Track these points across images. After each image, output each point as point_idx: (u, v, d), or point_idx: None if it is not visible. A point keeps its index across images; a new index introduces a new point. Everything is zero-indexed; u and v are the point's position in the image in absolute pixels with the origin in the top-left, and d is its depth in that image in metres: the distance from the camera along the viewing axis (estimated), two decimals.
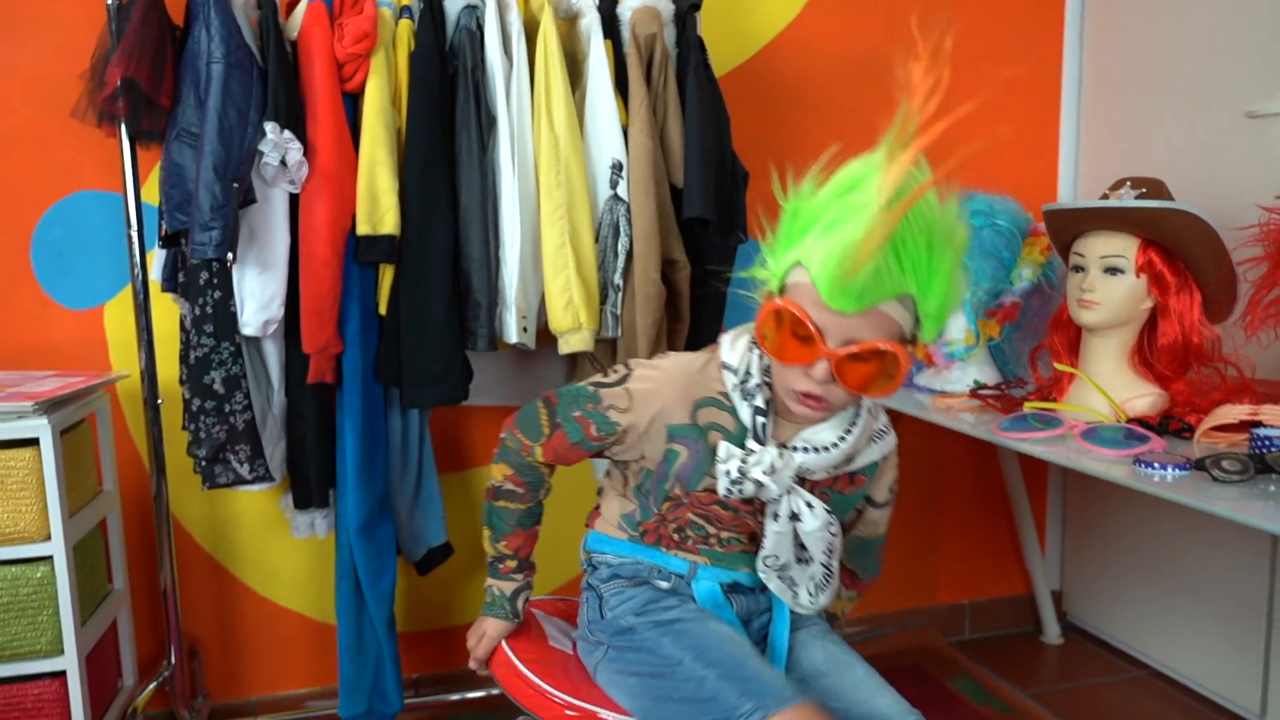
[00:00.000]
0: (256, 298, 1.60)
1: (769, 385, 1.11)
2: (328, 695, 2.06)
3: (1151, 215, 1.47)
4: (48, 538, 1.51)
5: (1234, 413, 1.35)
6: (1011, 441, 1.48)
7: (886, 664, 2.26)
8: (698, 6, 1.81)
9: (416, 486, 1.87)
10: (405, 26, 1.66)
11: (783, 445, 1.11)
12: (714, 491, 1.14)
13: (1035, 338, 1.82)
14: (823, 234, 1.00)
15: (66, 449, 1.56)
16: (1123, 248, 1.51)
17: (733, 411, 1.12)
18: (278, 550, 2.03)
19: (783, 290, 1.06)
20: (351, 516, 1.72)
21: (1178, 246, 1.49)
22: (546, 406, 1.20)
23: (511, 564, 1.28)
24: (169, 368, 1.83)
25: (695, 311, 1.82)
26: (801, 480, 1.13)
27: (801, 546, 1.15)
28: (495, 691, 1.88)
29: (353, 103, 1.65)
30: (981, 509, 2.49)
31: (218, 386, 1.61)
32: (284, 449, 1.74)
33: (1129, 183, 1.53)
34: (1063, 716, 2.07)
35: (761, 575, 1.16)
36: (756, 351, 1.12)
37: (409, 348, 1.66)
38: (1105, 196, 1.54)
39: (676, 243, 1.74)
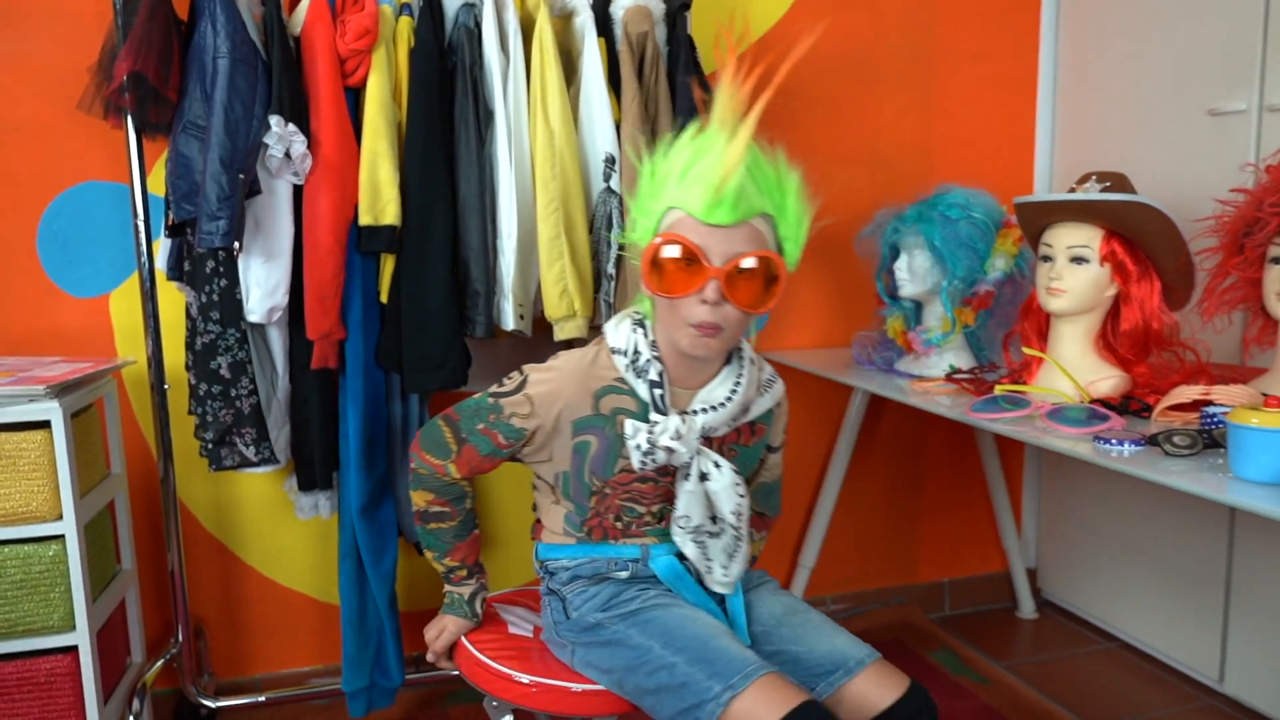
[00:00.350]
0: (261, 285, 1.66)
1: (659, 359, 1.19)
2: (330, 673, 2.13)
3: (1114, 208, 1.55)
4: (59, 517, 1.56)
5: (1188, 393, 1.44)
6: (983, 421, 1.57)
7: (870, 639, 2.34)
8: (688, 6, 1.88)
9: None
10: (405, 23, 1.72)
11: (682, 413, 1.19)
12: (630, 471, 1.21)
13: (1008, 324, 1.91)
14: (684, 175, 1.12)
15: (76, 432, 1.61)
16: (1088, 238, 1.59)
17: (631, 393, 1.20)
18: (281, 532, 2.09)
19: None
20: (354, 498, 1.78)
21: (1139, 237, 1.57)
22: (449, 424, 1.25)
23: (462, 573, 1.35)
24: (174, 354, 1.89)
25: None
26: (709, 442, 1.22)
27: (714, 519, 1.22)
28: None
29: (354, 97, 1.71)
30: (960, 491, 2.58)
31: (224, 372, 1.67)
32: (288, 433, 1.80)
33: (1094, 176, 1.61)
34: (1036, 686, 2.17)
35: (676, 539, 1.22)
36: (640, 331, 1.20)
37: (410, 334, 1.72)
38: (1072, 190, 1.62)
39: None
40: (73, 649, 1.59)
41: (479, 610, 1.37)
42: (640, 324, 1.22)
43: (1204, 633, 2.11)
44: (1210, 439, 1.33)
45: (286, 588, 2.13)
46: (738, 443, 1.26)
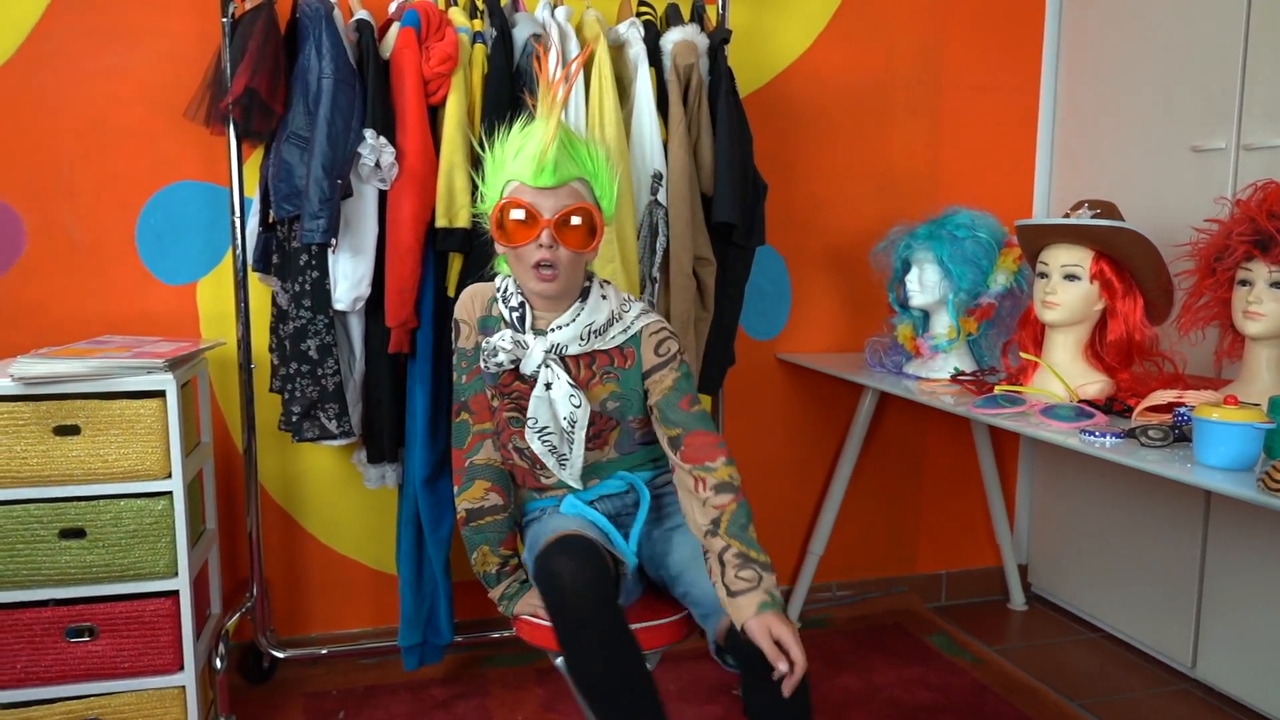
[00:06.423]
0: (349, 278, 1.87)
1: (520, 293, 1.47)
2: (379, 634, 2.33)
3: (1103, 232, 1.76)
4: (169, 475, 1.77)
5: (1164, 396, 1.65)
6: (984, 416, 1.77)
7: (872, 623, 2.60)
8: (727, 40, 2.10)
9: None
10: (480, 50, 1.94)
11: (540, 332, 1.45)
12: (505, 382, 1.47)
13: (1007, 333, 2.12)
14: (516, 154, 1.41)
15: (182, 402, 1.82)
16: (1079, 259, 1.80)
17: (501, 318, 1.49)
18: (341, 504, 2.30)
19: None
20: (419, 470, 1.99)
21: (1125, 259, 1.79)
22: (456, 413, 1.54)
23: (514, 562, 1.54)
24: (257, 338, 2.09)
25: (718, 304, 2.10)
26: (580, 365, 1.46)
27: (566, 433, 1.45)
28: None
29: (433, 114, 1.92)
30: (959, 490, 2.79)
31: (313, 353, 1.88)
32: (361, 410, 2.00)
33: (1086, 204, 1.82)
34: (1025, 668, 2.37)
35: (527, 438, 1.46)
36: (507, 281, 1.49)
37: None
38: (1067, 215, 1.83)
39: (705, 243, 2.03)
40: (174, 593, 1.79)
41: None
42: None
43: (1178, 623, 2.31)
44: (1180, 433, 1.54)
45: (342, 555, 2.33)
46: (612, 365, 1.48)
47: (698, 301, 2.04)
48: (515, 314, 1.46)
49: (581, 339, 1.45)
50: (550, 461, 1.47)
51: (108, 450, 1.74)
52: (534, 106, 1.41)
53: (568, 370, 1.45)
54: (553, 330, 1.44)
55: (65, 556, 1.74)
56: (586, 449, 1.49)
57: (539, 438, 1.45)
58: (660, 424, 1.48)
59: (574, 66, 1.59)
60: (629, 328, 1.49)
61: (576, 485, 1.50)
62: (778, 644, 1.29)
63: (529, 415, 1.45)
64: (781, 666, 1.27)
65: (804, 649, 1.30)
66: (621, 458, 1.53)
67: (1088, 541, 2.59)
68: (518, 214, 1.38)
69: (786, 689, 1.29)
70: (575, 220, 1.39)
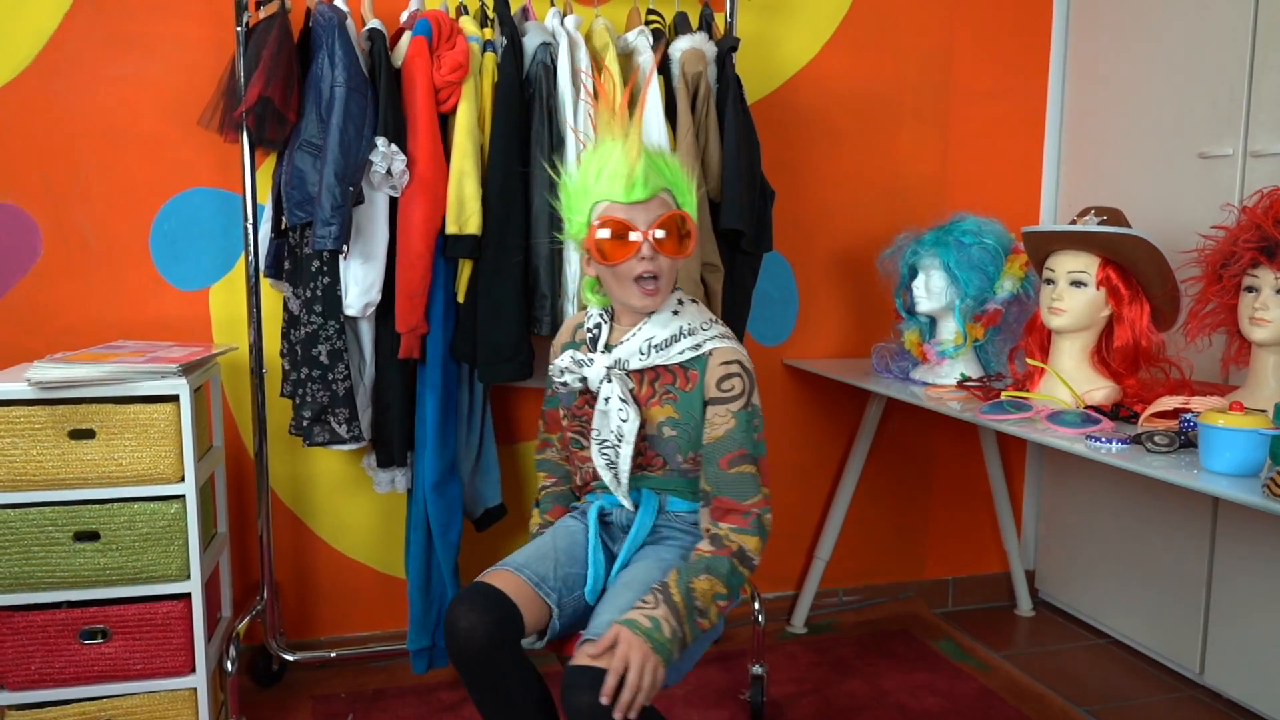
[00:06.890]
0: (359, 284, 1.89)
1: (609, 314, 1.52)
2: (389, 638, 2.34)
3: (1110, 239, 1.77)
4: (182, 479, 1.78)
5: (1171, 402, 1.65)
6: (991, 422, 1.78)
7: (878, 628, 2.60)
8: (735, 48, 2.11)
9: (478, 454, 2.15)
10: (490, 59, 1.96)
11: (609, 347, 1.49)
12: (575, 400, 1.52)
13: (1014, 339, 2.12)
14: (598, 177, 1.43)
15: (194, 407, 1.83)
16: (1086, 265, 1.81)
17: (583, 341, 1.56)
18: (350, 508, 2.31)
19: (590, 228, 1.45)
20: (428, 475, 2.00)
21: (1131, 265, 1.79)
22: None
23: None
24: (269, 343, 2.11)
25: (725, 310, 2.11)
26: (642, 379, 1.48)
27: (615, 445, 1.47)
28: None
29: (444, 122, 1.94)
30: (966, 496, 2.79)
31: (324, 358, 1.90)
32: (371, 415, 2.02)
33: (1093, 210, 1.83)
34: (1031, 674, 2.37)
35: (592, 450, 1.49)
36: (590, 307, 1.55)
37: (485, 330, 1.94)
38: (1073, 222, 1.84)
39: (712, 249, 2.04)
40: (186, 596, 1.81)
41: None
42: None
43: (1186, 629, 2.31)
44: (1186, 439, 1.55)
45: (352, 558, 2.34)
46: (674, 385, 1.47)
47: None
48: (591, 335, 1.51)
49: (641, 353, 1.47)
50: (608, 476, 1.49)
51: (122, 454, 1.76)
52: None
53: (631, 387, 1.48)
54: (619, 345, 1.48)
55: (79, 559, 1.76)
56: (634, 473, 1.51)
57: (599, 451, 1.48)
58: (702, 470, 1.47)
59: (645, 83, 1.75)
60: (700, 345, 1.46)
61: (626, 503, 1.52)
62: (615, 653, 1.26)
63: (594, 427, 1.48)
64: (599, 660, 1.26)
65: (647, 676, 1.26)
66: (666, 477, 1.52)
67: (1095, 547, 2.59)
68: (615, 232, 1.40)
69: (603, 694, 1.25)
70: (669, 229, 1.42)
